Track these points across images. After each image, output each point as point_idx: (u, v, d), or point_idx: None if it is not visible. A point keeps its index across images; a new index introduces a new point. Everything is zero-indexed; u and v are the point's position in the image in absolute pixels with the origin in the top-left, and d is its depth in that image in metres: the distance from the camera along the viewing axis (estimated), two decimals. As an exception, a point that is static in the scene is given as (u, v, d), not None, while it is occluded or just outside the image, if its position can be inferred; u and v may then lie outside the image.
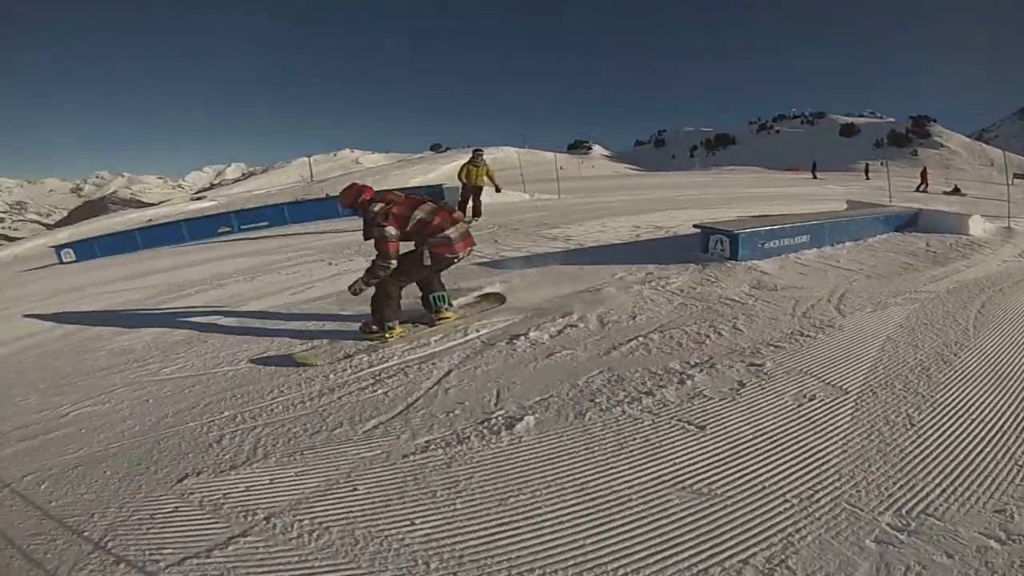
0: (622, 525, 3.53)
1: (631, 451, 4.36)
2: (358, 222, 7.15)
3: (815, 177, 55.52)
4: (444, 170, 62.87)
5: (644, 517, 3.59)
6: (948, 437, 4.54)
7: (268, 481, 4.35)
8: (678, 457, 4.25)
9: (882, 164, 47.29)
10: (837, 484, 3.89)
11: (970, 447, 4.40)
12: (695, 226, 11.78)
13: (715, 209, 18.40)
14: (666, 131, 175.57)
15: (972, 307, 8.05)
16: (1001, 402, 5.18)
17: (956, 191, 41.44)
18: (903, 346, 6.50)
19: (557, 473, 4.12)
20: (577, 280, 9.20)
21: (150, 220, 39.88)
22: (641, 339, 6.67)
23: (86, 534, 3.91)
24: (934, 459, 4.21)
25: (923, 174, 44.91)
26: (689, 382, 5.47)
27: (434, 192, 25.40)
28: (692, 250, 11.15)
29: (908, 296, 8.54)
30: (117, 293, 13.41)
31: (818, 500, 3.72)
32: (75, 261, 25.19)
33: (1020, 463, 4.17)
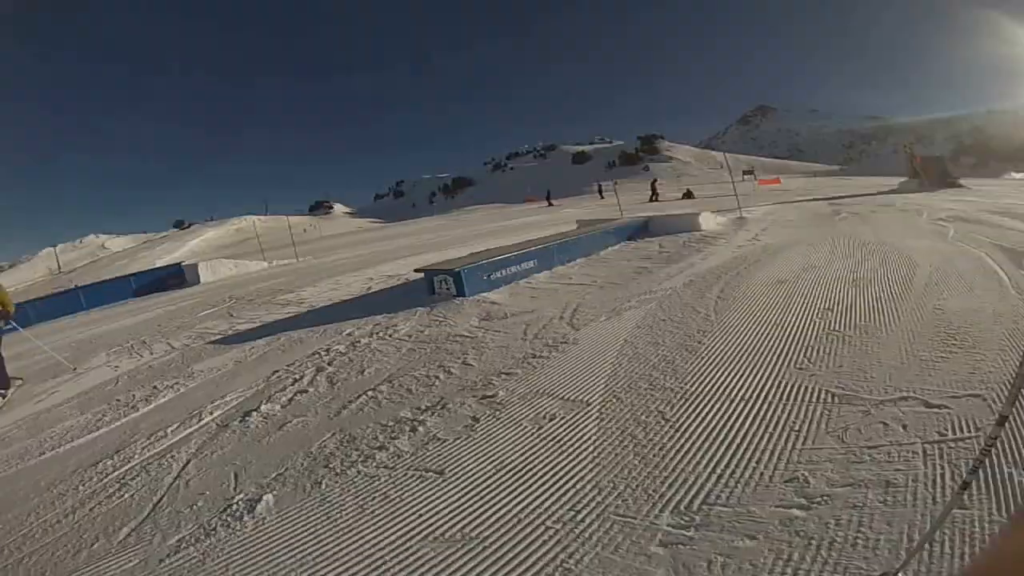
0: None
1: (372, 511, 3.93)
2: (105, 313, 6.64)
3: (550, 204, 57.22)
4: (192, 245, 61.30)
5: (404, 571, 3.28)
6: (710, 423, 4.43)
7: None
8: (421, 508, 3.88)
9: (614, 184, 49.46)
10: (599, 498, 3.63)
11: (736, 426, 4.33)
12: (417, 270, 11.90)
13: (452, 249, 18.45)
14: (404, 181, 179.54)
15: (711, 294, 8.27)
16: (756, 374, 5.24)
17: (688, 195, 44.13)
18: (643, 345, 6.46)
19: (305, 549, 3.72)
20: (305, 344, 8.83)
21: None
22: (370, 393, 6.29)
23: None
24: (700, 448, 4.08)
25: (653, 185, 47.22)
26: (421, 428, 5.12)
27: (174, 272, 25.30)
28: (420, 294, 11.03)
29: (643, 297, 8.64)
30: None
31: (583, 520, 3.43)
32: None
33: (794, 428, 4.18)
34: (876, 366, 5.27)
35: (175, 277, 24.59)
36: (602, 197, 58.73)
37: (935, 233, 12.30)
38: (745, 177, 47.38)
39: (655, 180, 51.38)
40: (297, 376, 7.27)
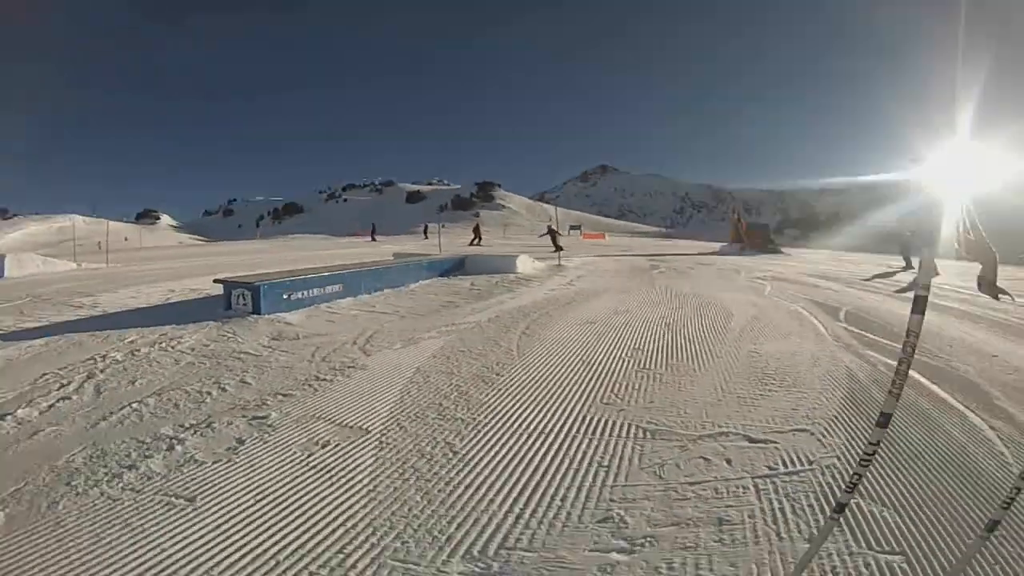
0: None
1: (110, 541, 3.38)
2: None
3: (374, 239, 56.98)
4: (10, 238, 58.58)
5: None
6: (505, 456, 4.20)
7: None
8: (164, 541, 3.35)
9: (442, 226, 49.79)
10: (373, 540, 3.25)
11: (536, 461, 4.11)
12: (216, 281, 11.54)
13: (264, 270, 17.83)
14: (236, 201, 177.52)
15: (516, 329, 8.31)
16: (559, 408, 5.11)
17: (476, 230, 44.93)
18: (436, 375, 6.28)
19: None
20: (84, 349, 8.19)
21: None
22: (135, 405, 5.75)
23: None
24: (495, 484, 3.81)
25: (476, 228, 47.37)
26: (179, 447, 4.63)
27: None
28: (216, 308, 10.69)
29: (444, 329, 8.58)
30: None
31: (354, 565, 3.03)
32: None
33: (603, 464, 4.01)
34: (691, 402, 5.25)
35: None
36: (426, 237, 59.04)
37: (752, 289, 13.05)
38: (571, 231, 48.36)
39: (478, 224, 51.98)
40: (65, 381, 6.65)
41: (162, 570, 3.06)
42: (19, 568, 3.23)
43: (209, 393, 5.92)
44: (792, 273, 17.14)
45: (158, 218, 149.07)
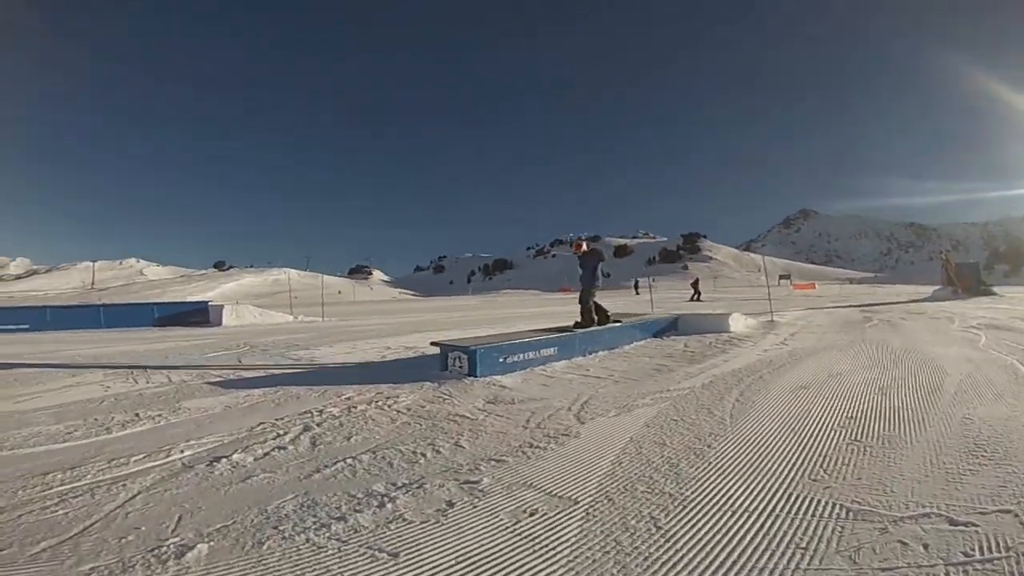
0: None
1: None
2: (121, 335, 6.42)
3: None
4: (227, 288, 62.12)
5: None
6: (706, 535, 3.98)
7: None
8: None
9: (652, 280, 49.36)
10: None
11: (736, 540, 3.90)
12: (432, 343, 11.54)
13: (479, 328, 18.24)
14: (446, 257, 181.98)
15: (729, 397, 7.91)
16: (766, 484, 4.86)
17: (695, 286, 44.15)
18: (648, 445, 6.06)
19: None
20: (301, 402, 8.52)
21: None
22: (349, 461, 5.91)
23: None
24: (691, 562, 3.62)
25: (694, 285, 46.38)
26: (390, 505, 4.68)
27: (199, 309, 26.16)
28: (432, 369, 10.72)
29: (658, 396, 8.27)
30: None
31: None
32: None
33: (801, 545, 3.78)
34: (898, 479, 4.91)
35: (199, 314, 25.02)
36: (637, 293, 58.68)
37: (966, 340, 12.46)
38: (781, 281, 47.28)
39: (697, 279, 50.81)
40: (281, 432, 6.96)
41: None
42: None
43: (424, 454, 5.98)
44: (1006, 318, 16.38)
45: (370, 273, 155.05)
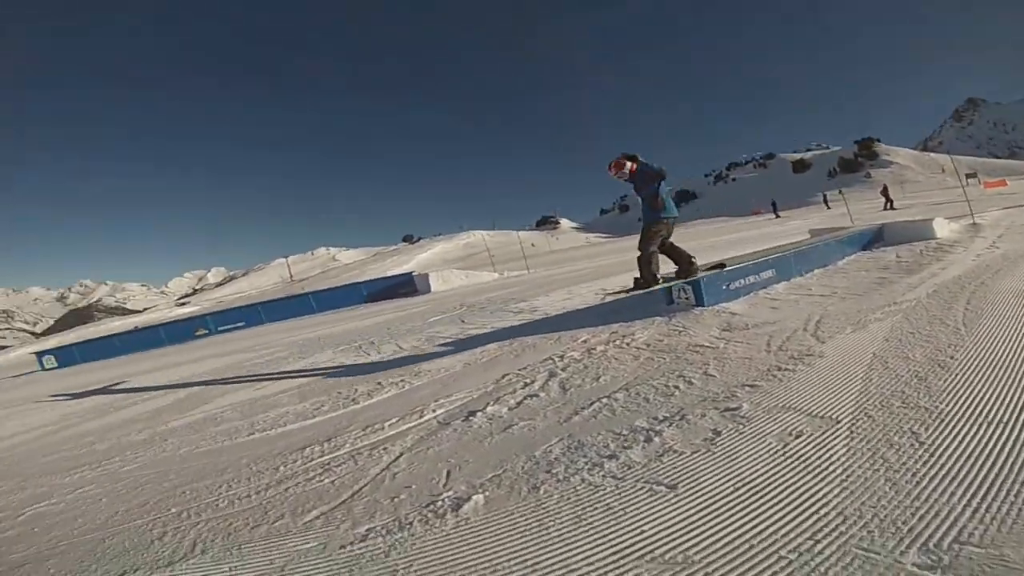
0: None
1: (591, 522, 3.72)
2: (336, 316, 6.88)
3: (777, 216, 55.65)
4: (421, 258, 63.51)
5: None
6: (966, 448, 3.99)
7: None
8: (645, 523, 3.59)
9: (840, 193, 47.58)
10: (842, 528, 3.29)
11: (994, 453, 3.88)
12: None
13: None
14: (628, 195, 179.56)
15: (958, 306, 7.75)
16: (1016, 395, 4.73)
17: (885, 193, 42.27)
18: (893, 360, 6.01)
19: (505, 554, 3.54)
20: (538, 350, 8.77)
21: (136, 327, 39.71)
22: (604, 400, 6.08)
23: None
24: (956, 477, 3.65)
25: (885, 192, 44.45)
26: (657, 439, 4.85)
27: (404, 280, 26.99)
28: (658, 304, 10.79)
29: (888, 309, 8.15)
30: (91, 397, 13.84)
31: (821, 551, 3.11)
32: (56, 368, 26.36)
33: None
34: None
35: (406, 285, 25.68)
36: (828, 207, 56.86)
37: None
38: (969, 181, 44.80)
39: (886, 186, 48.74)
40: (528, 380, 7.25)
41: (642, 548, 3.31)
42: (497, 543, 3.66)
43: (676, 387, 6.10)
44: None
45: (558, 223, 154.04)
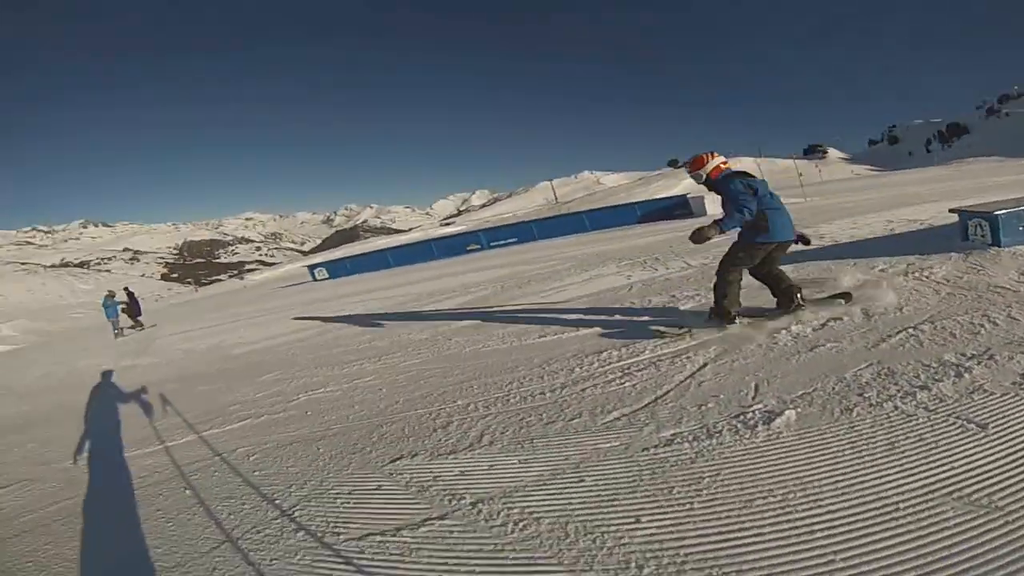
0: (885, 539, 2.97)
1: (903, 452, 3.71)
2: (611, 234, 7.03)
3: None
4: (685, 183, 63.50)
5: (911, 531, 3.00)
6: None
7: (486, 467, 4.30)
8: (956, 461, 3.54)
9: None
10: None
11: None
12: (951, 210, 10.81)
13: (968, 200, 17.02)
14: (896, 126, 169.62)
15: None
16: None
17: None
18: None
19: (816, 474, 3.60)
20: (836, 275, 8.63)
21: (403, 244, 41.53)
22: (911, 331, 5.94)
23: (277, 502, 4.32)
24: None
25: None
26: (967, 375, 4.68)
27: (679, 203, 27.04)
28: (951, 239, 10.21)
29: None
30: (370, 301, 15.24)
31: None
32: (328, 279, 29.00)
33: None
34: None
35: (681, 208, 25.56)
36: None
37: None
38: None
39: None
40: (831, 304, 7.18)
41: (948, 488, 3.26)
42: (808, 462, 3.73)
43: (982, 325, 5.86)
44: None
45: (826, 152, 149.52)
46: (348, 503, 4.21)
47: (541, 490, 3.90)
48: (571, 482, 3.89)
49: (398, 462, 4.64)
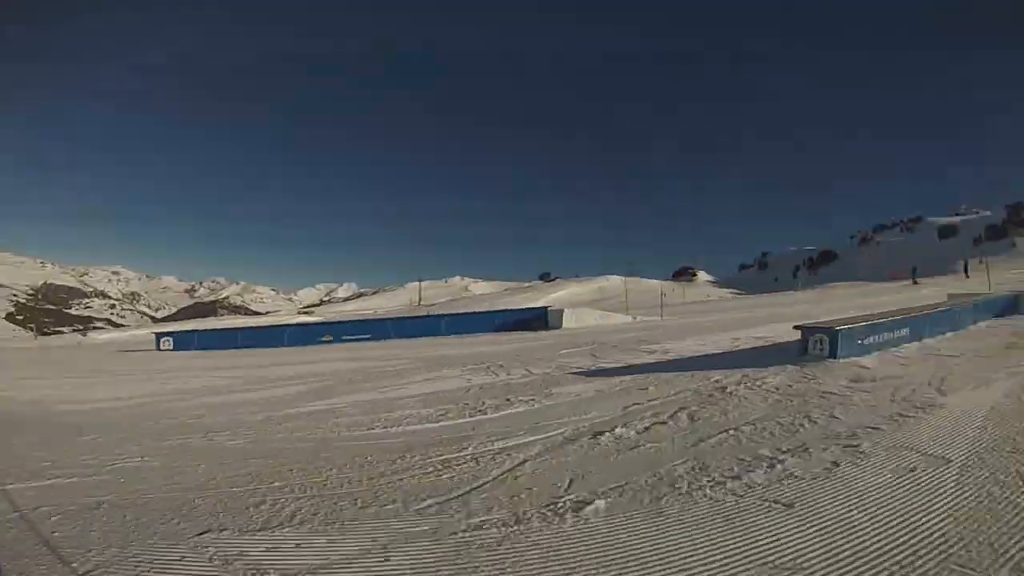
0: None
1: (709, 530, 4.03)
2: (464, 340, 7.26)
3: (915, 283, 54.00)
4: (554, 297, 63.65)
5: None
6: None
7: (294, 545, 4.24)
8: (760, 534, 3.92)
9: (980, 261, 45.99)
10: (943, 547, 3.59)
11: None
12: (795, 327, 11.66)
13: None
14: (769, 253, 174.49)
15: None
16: None
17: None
18: (1009, 414, 6.33)
19: (621, 554, 3.79)
20: (671, 385, 9.00)
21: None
22: (732, 432, 6.39)
23: (73, 565, 4.02)
24: None
25: None
26: (779, 466, 5.18)
27: (537, 315, 26.85)
28: (791, 354, 10.98)
29: (1012, 370, 8.43)
30: (208, 378, 14.71)
31: (921, 566, 3.39)
32: (172, 350, 27.26)
33: None
34: None
35: (538, 319, 25.74)
36: (967, 276, 55.20)
37: None
38: None
39: None
40: (658, 410, 7.52)
41: (755, 556, 3.60)
42: (612, 545, 3.90)
43: (801, 425, 6.45)
44: None
45: (695, 274, 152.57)
46: (147, 572, 3.99)
47: (345, 569, 3.88)
48: (376, 561, 3.94)
49: (205, 535, 4.53)
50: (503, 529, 4.23)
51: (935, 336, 12.43)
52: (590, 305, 37.03)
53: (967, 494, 4.33)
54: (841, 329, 10.44)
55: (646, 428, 6.82)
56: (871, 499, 4.37)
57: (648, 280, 75.55)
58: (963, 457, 5.12)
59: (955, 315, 14.01)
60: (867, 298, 34.12)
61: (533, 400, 8.68)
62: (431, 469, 5.85)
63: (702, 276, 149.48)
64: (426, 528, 4.34)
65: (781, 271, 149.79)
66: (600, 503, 4.58)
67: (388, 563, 3.85)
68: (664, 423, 6.96)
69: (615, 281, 74.12)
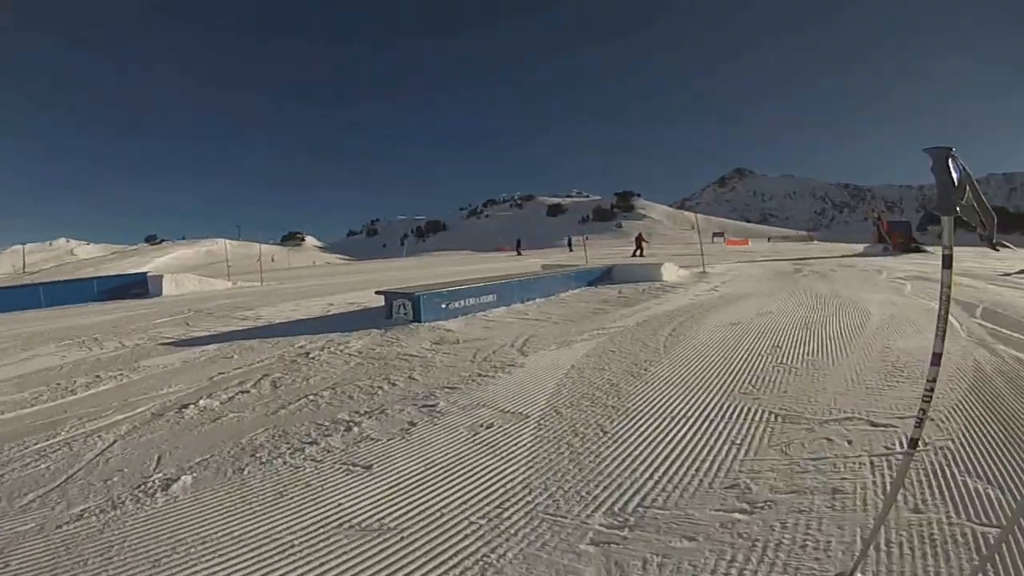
0: (286, 571, 3.09)
1: (292, 498, 3.94)
2: (66, 311, 6.67)
3: (519, 254, 56.76)
4: (160, 261, 60.92)
5: (309, 560, 3.17)
6: (649, 436, 4.54)
7: None
8: (342, 498, 3.88)
9: (585, 238, 49.32)
10: (528, 498, 3.63)
11: (676, 439, 4.44)
12: (377, 292, 12.07)
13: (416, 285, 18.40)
14: (379, 221, 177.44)
15: (663, 332, 8.53)
16: (700, 397, 5.47)
17: (639, 242, 43.89)
18: (588, 371, 6.63)
19: (212, 529, 3.63)
20: (256, 352, 8.93)
21: None
22: (312, 397, 6.35)
23: None
24: (638, 457, 4.15)
25: (638, 240, 45.88)
26: (356, 429, 5.17)
27: (137, 280, 25.50)
28: (378, 318, 11.25)
29: (595, 333, 8.88)
30: None
31: (509, 517, 3.40)
32: None
33: (736, 442, 4.31)
34: (821, 392, 5.53)
35: (138, 286, 24.48)
36: (571, 250, 58.69)
37: (892, 289, 13.07)
38: (715, 239, 47.38)
39: (640, 235, 50.40)
40: (242, 379, 7.33)
41: (338, 521, 3.52)
42: (204, 517, 3.76)
43: (380, 387, 6.43)
44: (934, 271, 16.72)
45: (303, 239, 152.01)
46: None
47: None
48: (-3, 572, 3.70)
49: None
50: (102, 516, 3.96)
51: (525, 302, 13.02)
52: (199, 269, 36.06)
53: (546, 446, 4.42)
54: (423, 294, 10.74)
55: (230, 398, 6.60)
56: (447, 456, 4.42)
57: (256, 244, 74.83)
58: (540, 412, 5.27)
59: (547, 282, 14.77)
60: (469, 265, 35.99)
61: (122, 374, 8.13)
62: (29, 460, 5.28)
63: (310, 241, 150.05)
64: (33, 526, 3.95)
65: (390, 238, 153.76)
66: (187, 478, 4.36)
67: (8, 569, 3.46)
68: (247, 392, 6.78)
69: (221, 244, 72.74)
